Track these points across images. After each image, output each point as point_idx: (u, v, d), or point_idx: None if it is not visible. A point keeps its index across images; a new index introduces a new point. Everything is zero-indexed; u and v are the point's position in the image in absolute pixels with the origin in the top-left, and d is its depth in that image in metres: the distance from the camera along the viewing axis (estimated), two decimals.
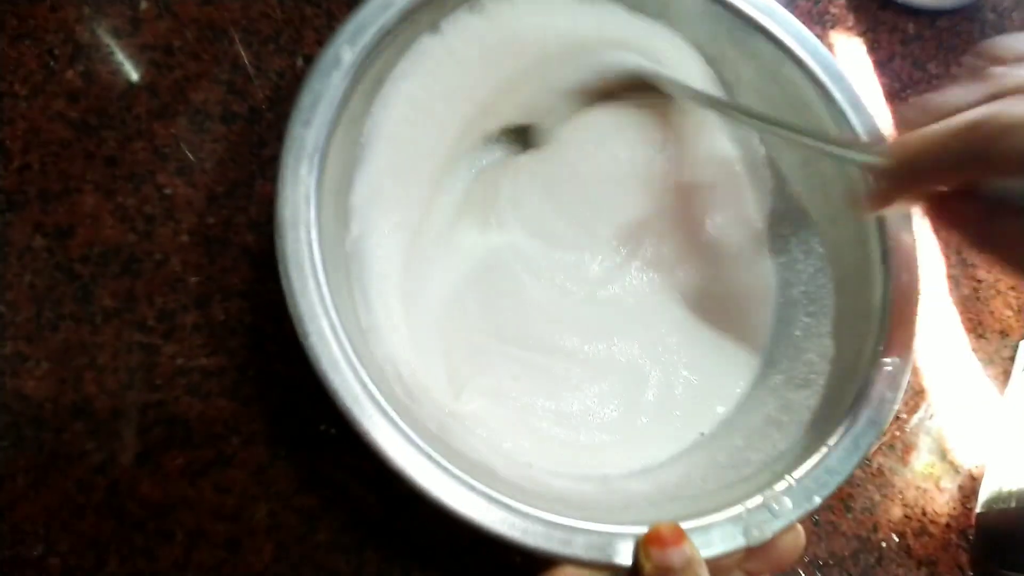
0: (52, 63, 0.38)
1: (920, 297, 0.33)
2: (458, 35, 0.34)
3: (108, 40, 0.39)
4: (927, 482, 0.41)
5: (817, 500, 0.28)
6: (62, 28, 0.38)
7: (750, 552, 0.27)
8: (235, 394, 0.35)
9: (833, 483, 0.28)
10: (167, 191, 0.37)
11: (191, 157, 0.38)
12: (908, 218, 0.33)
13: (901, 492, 0.41)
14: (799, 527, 0.28)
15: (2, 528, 0.32)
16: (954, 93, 0.25)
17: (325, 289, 0.27)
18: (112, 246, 0.36)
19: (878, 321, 0.32)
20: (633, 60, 0.37)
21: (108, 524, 0.32)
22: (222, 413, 0.34)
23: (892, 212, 0.33)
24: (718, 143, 0.39)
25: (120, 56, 0.39)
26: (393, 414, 0.26)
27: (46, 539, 0.32)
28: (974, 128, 0.24)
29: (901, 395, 0.31)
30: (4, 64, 0.37)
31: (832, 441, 0.29)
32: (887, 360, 0.31)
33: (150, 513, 0.33)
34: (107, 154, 0.37)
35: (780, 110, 0.37)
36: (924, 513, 0.40)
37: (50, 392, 0.33)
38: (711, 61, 0.39)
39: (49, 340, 0.34)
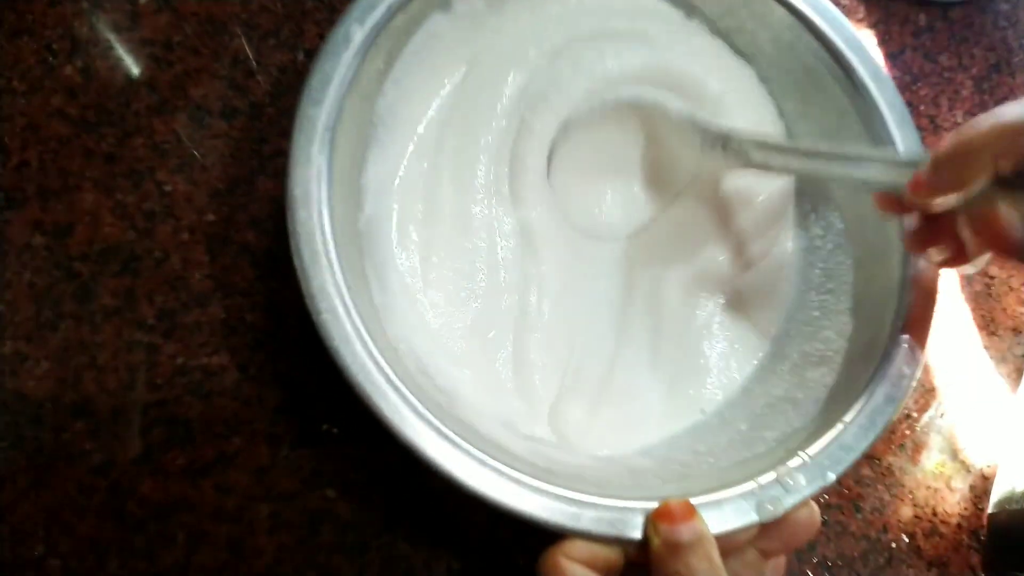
0: (50, 59, 0.37)
1: (940, 272, 0.32)
2: (469, 13, 0.34)
3: (107, 35, 0.38)
4: (938, 482, 0.40)
5: (831, 476, 0.28)
6: (60, 23, 0.38)
7: (763, 530, 0.27)
8: (236, 394, 0.34)
9: (848, 460, 0.28)
10: (167, 188, 0.36)
11: (191, 153, 0.37)
12: None
13: (911, 492, 0.40)
14: (813, 504, 0.28)
15: (2, 529, 0.31)
16: None
17: (337, 267, 0.27)
18: (112, 244, 0.35)
19: (897, 297, 0.32)
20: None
21: (109, 525, 0.32)
22: (223, 413, 0.34)
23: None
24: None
25: (119, 51, 0.38)
26: (404, 389, 0.26)
27: (46, 540, 0.31)
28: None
29: (919, 371, 0.30)
30: (2, 60, 0.37)
31: (848, 418, 0.29)
32: (905, 336, 0.30)
33: (151, 514, 0.32)
34: (106, 151, 0.36)
35: (799, 84, 0.36)
36: (935, 513, 0.40)
37: (50, 392, 0.33)
38: (728, 33, 0.38)
39: (49, 339, 0.34)
